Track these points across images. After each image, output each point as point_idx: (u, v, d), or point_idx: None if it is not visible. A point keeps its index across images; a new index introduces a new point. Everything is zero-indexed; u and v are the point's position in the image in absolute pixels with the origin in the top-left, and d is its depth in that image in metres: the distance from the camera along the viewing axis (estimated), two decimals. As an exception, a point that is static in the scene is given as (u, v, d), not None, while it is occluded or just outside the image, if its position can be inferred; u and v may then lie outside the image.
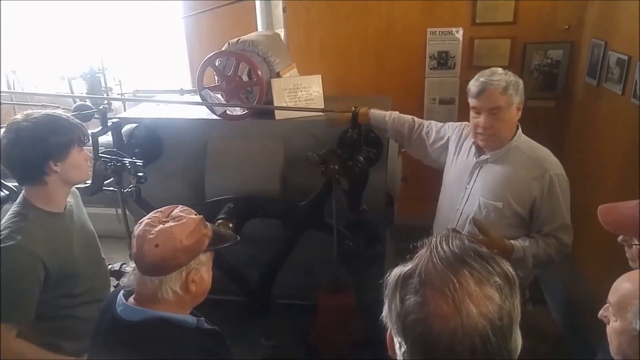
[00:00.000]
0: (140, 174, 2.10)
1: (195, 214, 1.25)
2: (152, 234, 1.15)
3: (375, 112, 2.17)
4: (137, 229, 1.19)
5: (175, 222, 1.18)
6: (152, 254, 1.14)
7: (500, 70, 1.79)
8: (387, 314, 0.78)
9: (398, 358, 0.77)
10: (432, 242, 0.78)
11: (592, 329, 2.20)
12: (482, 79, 1.75)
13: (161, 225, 1.17)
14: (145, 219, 1.20)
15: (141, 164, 2.09)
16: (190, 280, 1.20)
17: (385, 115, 2.17)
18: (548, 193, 1.77)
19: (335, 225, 2.11)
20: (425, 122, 2.15)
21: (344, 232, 2.22)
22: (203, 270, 1.24)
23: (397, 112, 2.19)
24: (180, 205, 1.26)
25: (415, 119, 2.18)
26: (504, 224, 1.82)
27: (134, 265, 1.21)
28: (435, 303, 0.71)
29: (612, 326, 1.09)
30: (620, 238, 1.30)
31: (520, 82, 1.78)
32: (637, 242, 1.25)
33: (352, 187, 2.07)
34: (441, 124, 2.12)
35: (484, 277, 0.72)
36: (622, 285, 1.07)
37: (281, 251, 2.28)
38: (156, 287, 1.18)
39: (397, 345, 0.76)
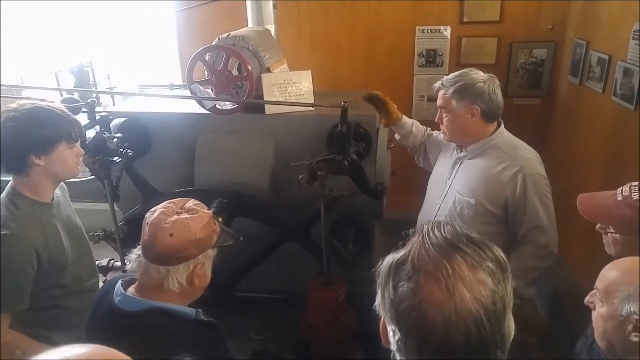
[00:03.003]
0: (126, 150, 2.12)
1: (207, 209, 1.26)
2: (167, 223, 1.16)
3: (405, 119, 2.16)
4: (151, 217, 1.19)
5: (190, 214, 1.19)
6: (166, 243, 1.15)
7: (462, 72, 1.82)
8: (380, 302, 0.77)
9: (392, 347, 0.77)
10: (424, 228, 0.78)
11: (575, 320, 2.25)
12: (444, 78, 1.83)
13: (176, 216, 1.18)
14: (160, 208, 1.21)
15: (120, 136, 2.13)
16: (195, 274, 1.21)
17: (412, 124, 2.18)
18: (521, 193, 1.74)
19: (323, 219, 2.13)
20: (427, 133, 2.19)
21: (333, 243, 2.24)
22: (207, 266, 1.26)
23: (418, 122, 2.20)
24: (192, 199, 1.27)
25: (427, 130, 2.20)
26: (478, 221, 1.82)
27: (139, 252, 1.21)
28: (428, 289, 0.70)
29: (599, 312, 1.11)
30: (597, 226, 1.36)
31: (477, 86, 1.76)
32: (612, 230, 1.31)
33: (353, 179, 2.10)
34: (436, 132, 2.16)
35: (477, 262, 0.72)
36: (610, 272, 1.10)
37: (258, 253, 2.29)
38: (162, 277, 1.18)
39: (390, 334, 0.76)
